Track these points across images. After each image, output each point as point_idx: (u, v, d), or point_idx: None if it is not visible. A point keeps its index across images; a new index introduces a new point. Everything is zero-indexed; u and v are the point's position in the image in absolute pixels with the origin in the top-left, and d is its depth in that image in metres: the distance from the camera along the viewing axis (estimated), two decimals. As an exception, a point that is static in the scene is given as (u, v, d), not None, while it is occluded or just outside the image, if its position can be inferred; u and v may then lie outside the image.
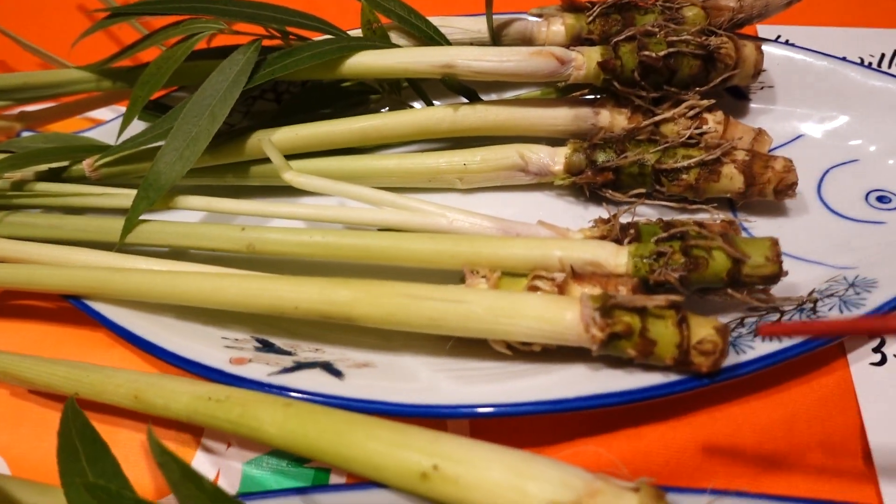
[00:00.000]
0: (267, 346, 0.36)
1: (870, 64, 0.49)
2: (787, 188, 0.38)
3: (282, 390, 0.32)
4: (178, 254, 0.41)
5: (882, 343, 0.35)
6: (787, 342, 0.32)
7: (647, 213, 0.42)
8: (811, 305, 0.34)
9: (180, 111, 0.40)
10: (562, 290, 0.34)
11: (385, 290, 0.33)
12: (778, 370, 0.33)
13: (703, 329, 0.30)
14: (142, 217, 0.40)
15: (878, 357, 0.35)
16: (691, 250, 0.33)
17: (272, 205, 0.41)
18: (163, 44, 0.44)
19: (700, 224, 0.37)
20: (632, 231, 0.37)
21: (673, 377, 0.31)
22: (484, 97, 0.46)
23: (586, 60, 0.41)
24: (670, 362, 0.30)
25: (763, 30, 0.53)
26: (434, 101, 0.46)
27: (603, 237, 0.37)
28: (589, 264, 0.35)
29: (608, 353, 0.32)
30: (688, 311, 0.31)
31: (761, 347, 0.32)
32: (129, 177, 0.44)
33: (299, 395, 0.32)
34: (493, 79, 0.41)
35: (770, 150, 0.43)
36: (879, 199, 0.40)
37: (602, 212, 0.42)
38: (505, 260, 0.36)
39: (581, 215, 0.42)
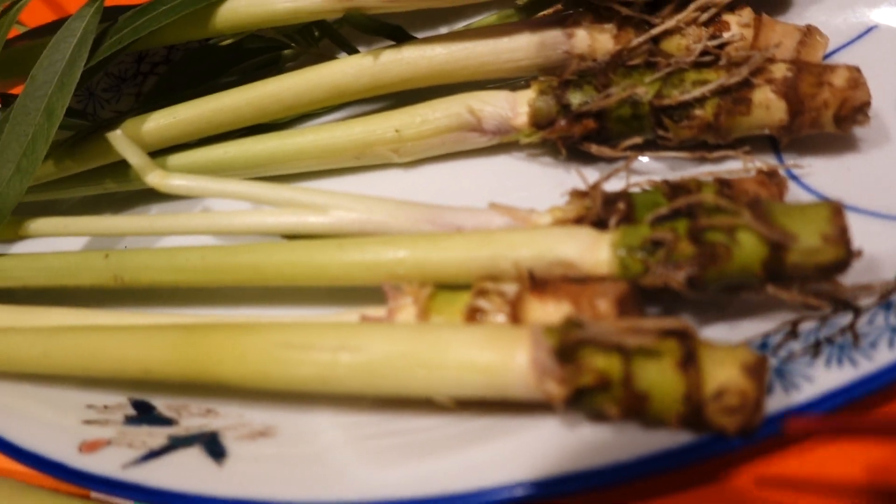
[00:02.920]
0: (143, 413, 0.27)
1: None
2: (854, 112, 0.26)
3: (133, 492, 0.23)
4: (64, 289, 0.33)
5: None
6: (865, 366, 0.20)
7: (654, 169, 0.30)
8: (904, 297, 0.22)
9: (10, 111, 0.30)
10: (515, 310, 0.23)
11: (256, 339, 0.23)
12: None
13: (723, 369, 0.19)
14: (-9, 252, 0.31)
15: None
16: (704, 234, 0.22)
17: (159, 218, 0.31)
18: None
19: (723, 183, 0.25)
20: (621, 205, 0.25)
21: (686, 437, 0.20)
22: (426, 34, 0.35)
23: (542, -39, 0.28)
24: (675, 423, 0.19)
25: None
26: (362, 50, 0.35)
27: (579, 219, 0.26)
28: (557, 265, 0.24)
29: (581, 411, 0.21)
30: (699, 341, 0.19)
31: (826, 378, 0.20)
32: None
33: (153, 498, 0.23)
34: (412, 7, 0.30)
35: (826, 57, 0.30)
36: None
37: (590, 177, 0.30)
38: (437, 268, 0.25)
39: (563, 183, 0.31)
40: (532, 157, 0.32)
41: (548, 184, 0.31)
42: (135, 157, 0.29)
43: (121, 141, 0.29)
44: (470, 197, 0.30)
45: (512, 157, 0.32)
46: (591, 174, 0.30)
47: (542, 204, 0.28)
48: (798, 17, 0.31)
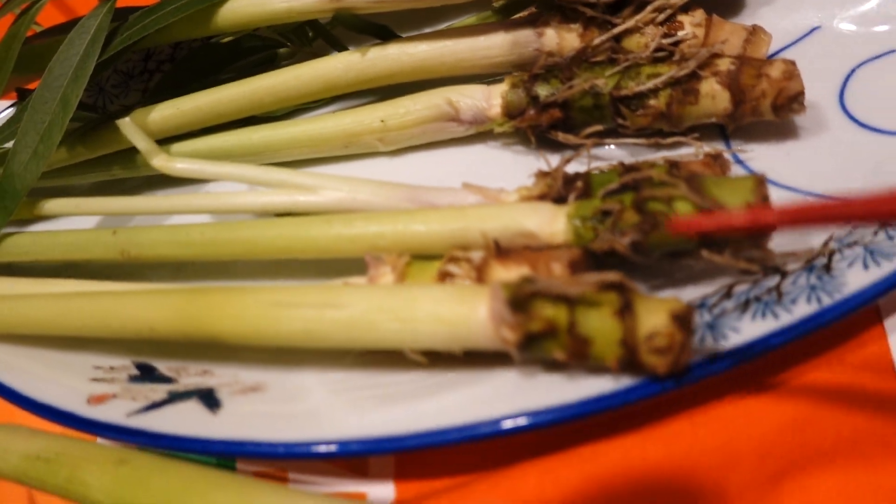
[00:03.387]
0: (146, 373, 0.30)
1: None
2: (789, 101, 0.29)
3: (137, 437, 0.26)
4: (76, 267, 0.35)
5: (935, 300, 0.25)
6: (785, 318, 0.23)
7: (617, 156, 0.33)
8: (825, 261, 0.25)
9: (29, 102, 0.33)
10: (480, 273, 0.26)
11: (249, 299, 0.26)
12: (783, 351, 0.24)
13: (654, 316, 0.21)
14: (6, 231, 0.34)
15: (929, 321, 0.25)
16: (646, 204, 0.24)
17: (162, 199, 0.34)
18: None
19: (672, 164, 0.28)
20: (579, 184, 0.28)
21: (626, 381, 0.23)
22: (411, 34, 0.38)
23: (512, -35, 0.31)
24: (614, 365, 0.22)
25: None
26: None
27: (542, 196, 0.29)
28: (520, 235, 0.27)
29: (534, 357, 0.24)
30: (635, 293, 0.22)
31: (750, 329, 0.23)
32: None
33: (154, 441, 0.26)
34: (397, 7, 0.33)
35: (774, 54, 0.33)
36: (926, 99, 0.30)
37: (558, 160, 0.33)
38: (414, 239, 0.28)
39: (533, 169, 0.33)
40: (506, 145, 0.35)
41: (519, 170, 0.34)
42: (142, 143, 0.32)
43: (129, 127, 0.32)
44: (449, 182, 0.33)
45: (487, 145, 0.35)
46: (559, 160, 0.33)
47: (514, 187, 0.30)
48: (749, 17, 0.34)
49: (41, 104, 0.33)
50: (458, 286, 0.25)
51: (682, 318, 0.21)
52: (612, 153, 0.33)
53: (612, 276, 0.22)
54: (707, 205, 0.23)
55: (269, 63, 0.40)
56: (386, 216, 0.29)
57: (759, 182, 0.23)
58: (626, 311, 0.21)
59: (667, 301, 0.22)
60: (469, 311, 0.23)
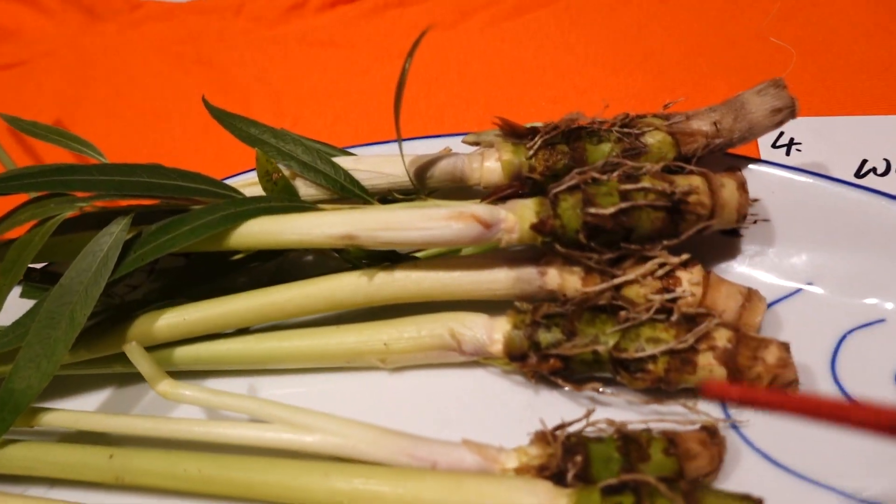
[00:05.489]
0: None
1: (900, 168, 0.39)
2: (783, 386, 0.29)
3: None
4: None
5: None
6: None
7: (613, 401, 0.33)
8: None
9: (38, 309, 0.33)
10: (477, 564, 0.26)
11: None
12: None
13: None
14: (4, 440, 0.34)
15: None
16: (645, 515, 0.25)
17: (162, 422, 0.34)
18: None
19: (670, 441, 0.28)
20: (578, 458, 0.28)
21: None
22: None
23: (518, 221, 0.33)
24: None
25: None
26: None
27: (542, 467, 0.29)
28: (517, 517, 0.27)
29: None
30: None
31: None
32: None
33: None
34: (400, 247, 0.34)
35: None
36: (914, 380, 0.31)
37: (555, 398, 0.34)
38: (413, 508, 0.28)
39: (531, 403, 0.34)
40: (504, 374, 0.35)
41: (516, 399, 0.34)
42: (146, 368, 0.33)
43: (135, 352, 0.33)
44: (447, 403, 0.34)
45: (487, 371, 0.36)
46: (557, 398, 0.34)
47: (510, 419, 0.31)
48: (743, 265, 0.36)
49: (49, 319, 0.33)
50: (455, 592, 0.25)
51: None
52: (609, 397, 0.33)
53: None
54: (704, 531, 0.23)
55: (278, 256, 0.41)
56: (385, 475, 0.29)
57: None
58: None
59: None
60: None
